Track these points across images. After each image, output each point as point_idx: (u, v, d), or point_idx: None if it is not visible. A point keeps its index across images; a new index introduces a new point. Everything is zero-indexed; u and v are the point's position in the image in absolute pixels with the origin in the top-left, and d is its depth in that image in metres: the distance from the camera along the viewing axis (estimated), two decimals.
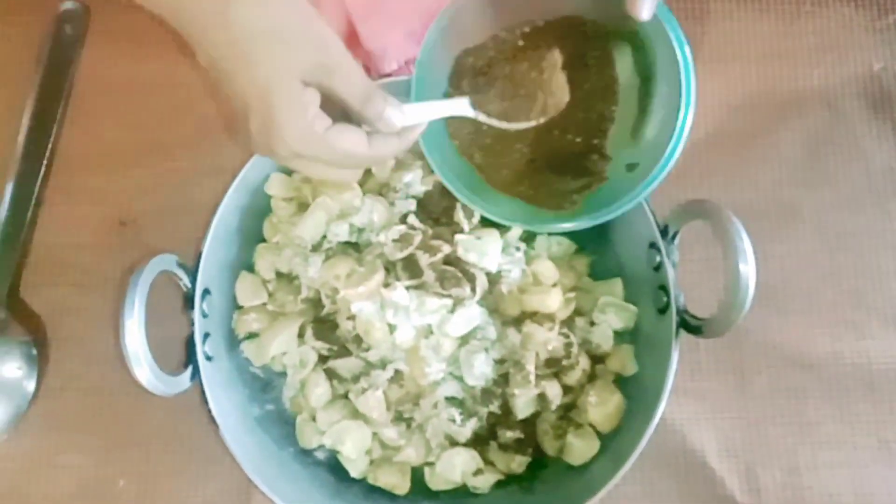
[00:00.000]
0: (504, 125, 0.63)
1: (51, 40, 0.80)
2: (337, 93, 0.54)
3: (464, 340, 0.67)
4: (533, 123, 0.64)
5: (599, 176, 0.64)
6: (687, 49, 0.59)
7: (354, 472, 0.70)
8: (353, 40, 0.73)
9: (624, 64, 0.64)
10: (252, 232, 0.73)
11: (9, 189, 0.77)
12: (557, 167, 0.66)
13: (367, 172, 0.73)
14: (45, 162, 0.79)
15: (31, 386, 0.74)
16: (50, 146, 0.79)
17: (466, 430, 0.68)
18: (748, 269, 0.58)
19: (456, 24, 0.63)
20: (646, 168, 0.61)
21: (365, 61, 0.75)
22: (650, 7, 0.56)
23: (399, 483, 0.69)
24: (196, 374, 0.65)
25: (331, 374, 0.70)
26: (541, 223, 0.66)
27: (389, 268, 0.68)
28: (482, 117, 0.63)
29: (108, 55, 0.82)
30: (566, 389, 0.69)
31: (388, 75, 0.76)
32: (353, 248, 0.72)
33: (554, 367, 0.68)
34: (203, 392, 0.65)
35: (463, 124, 0.64)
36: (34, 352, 0.75)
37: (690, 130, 0.60)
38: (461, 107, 0.63)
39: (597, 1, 0.61)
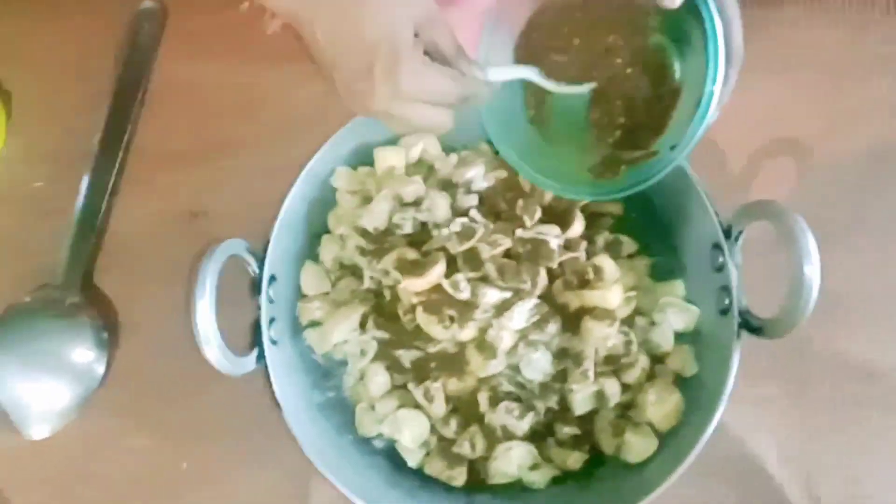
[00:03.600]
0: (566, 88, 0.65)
1: (130, 37, 0.83)
2: (435, 42, 0.60)
3: (523, 334, 0.67)
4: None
5: (648, 152, 0.64)
6: (717, 22, 0.57)
7: (412, 462, 0.70)
8: None
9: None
10: (317, 223, 0.75)
11: (86, 180, 0.80)
12: (621, 140, 0.66)
13: (430, 168, 0.75)
14: (120, 155, 0.82)
15: (100, 369, 0.76)
16: (126, 140, 0.82)
17: (524, 425, 0.68)
18: (813, 269, 0.58)
19: None
20: (682, 147, 0.60)
21: None
22: None
23: (455, 475, 0.69)
24: (261, 357, 0.66)
25: (390, 364, 0.71)
26: (581, 191, 0.66)
27: (450, 260, 0.68)
28: (551, 85, 0.65)
29: (183, 54, 0.85)
30: (625, 387, 0.69)
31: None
32: (415, 240, 0.72)
33: (613, 364, 0.68)
34: (267, 376, 0.66)
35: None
36: (105, 335, 0.77)
37: (717, 110, 0.59)
38: (532, 74, 0.65)
39: None
